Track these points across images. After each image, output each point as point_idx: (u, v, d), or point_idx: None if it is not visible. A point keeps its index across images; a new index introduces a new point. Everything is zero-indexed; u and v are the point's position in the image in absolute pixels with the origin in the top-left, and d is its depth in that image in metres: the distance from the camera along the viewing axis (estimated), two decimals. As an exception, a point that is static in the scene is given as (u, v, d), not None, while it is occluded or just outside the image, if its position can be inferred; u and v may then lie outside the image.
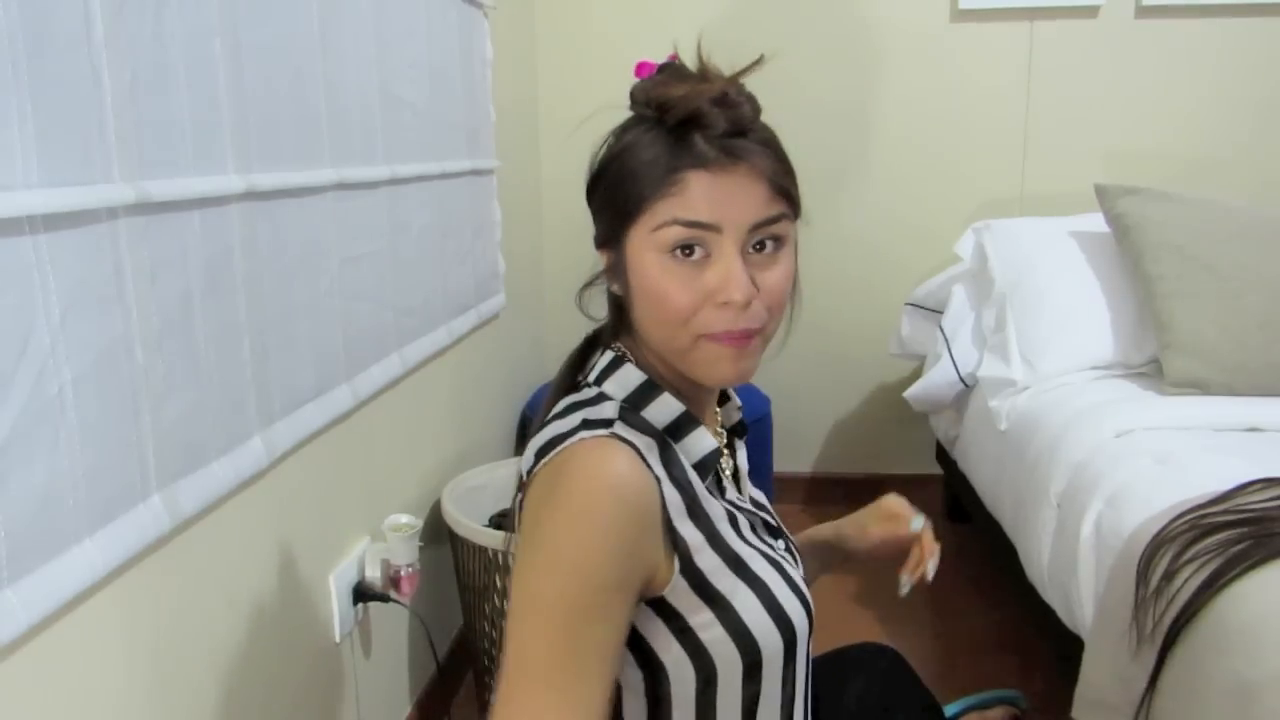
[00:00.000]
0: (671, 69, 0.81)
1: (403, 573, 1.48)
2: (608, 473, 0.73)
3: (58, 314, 0.80)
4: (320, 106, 1.29)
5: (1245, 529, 1.21)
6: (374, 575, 1.47)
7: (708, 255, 0.77)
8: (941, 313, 2.38)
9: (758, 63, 0.78)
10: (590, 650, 0.70)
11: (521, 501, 0.80)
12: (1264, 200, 2.39)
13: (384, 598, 1.47)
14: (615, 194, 0.80)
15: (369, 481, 1.51)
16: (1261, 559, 1.15)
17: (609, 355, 0.86)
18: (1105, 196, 2.09)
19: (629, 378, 0.84)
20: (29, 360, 0.77)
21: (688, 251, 0.77)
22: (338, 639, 1.40)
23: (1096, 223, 2.15)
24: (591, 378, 0.85)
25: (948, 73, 2.58)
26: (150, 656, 0.97)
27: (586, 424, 0.77)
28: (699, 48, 0.79)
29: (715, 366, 0.80)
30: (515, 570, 0.74)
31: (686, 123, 0.76)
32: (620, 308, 0.87)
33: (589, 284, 0.89)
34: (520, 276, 2.40)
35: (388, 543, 1.48)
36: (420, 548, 1.51)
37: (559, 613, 0.70)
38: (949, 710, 1.48)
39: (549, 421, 0.81)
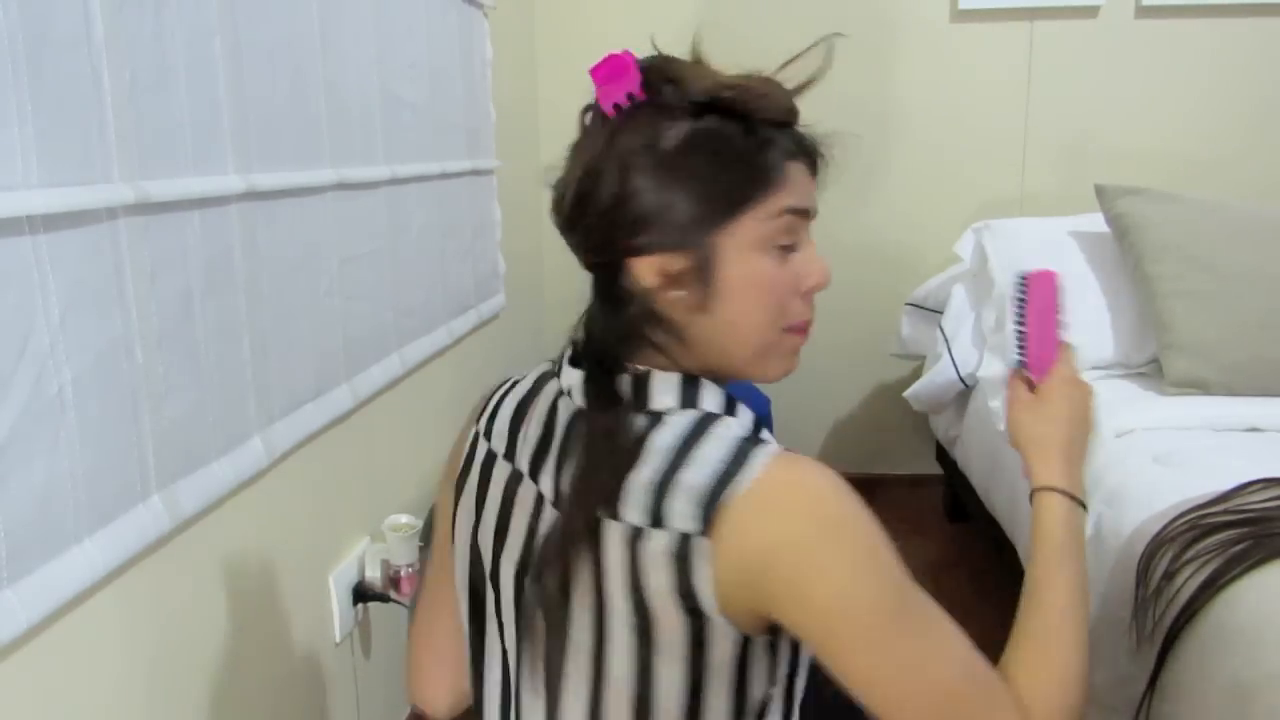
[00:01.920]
0: (686, 63, 0.77)
1: (403, 573, 1.48)
2: (821, 477, 0.69)
3: (58, 314, 0.80)
4: (320, 106, 1.29)
5: (1245, 529, 1.21)
6: (374, 575, 1.47)
7: (793, 245, 0.77)
8: (941, 313, 2.38)
9: (817, 76, 0.78)
10: (928, 606, 0.70)
11: (705, 534, 0.67)
12: (1264, 200, 2.39)
13: (384, 598, 1.47)
14: (707, 189, 0.73)
15: (369, 481, 1.51)
16: (1261, 559, 1.15)
17: (671, 376, 0.75)
18: (1105, 196, 2.09)
19: (715, 395, 0.76)
20: (29, 360, 0.77)
21: (788, 243, 0.76)
22: (338, 639, 1.40)
23: (1096, 223, 2.15)
24: (671, 402, 0.73)
25: (947, 73, 2.58)
26: (150, 656, 0.97)
27: (747, 441, 0.70)
28: (695, 43, 0.78)
29: (788, 361, 0.80)
30: (816, 622, 0.67)
31: (775, 117, 0.76)
32: (647, 322, 0.76)
33: (659, 291, 0.75)
34: (520, 276, 2.40)
35: (387, 543, 1.48)
36: (420, 548, 1.51)
37: (898, 601, 0.68)
38: None
39: (682, 460, 0.69)
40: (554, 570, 0.71)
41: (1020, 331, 0.93)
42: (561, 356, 0.82)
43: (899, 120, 2.62)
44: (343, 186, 1.36)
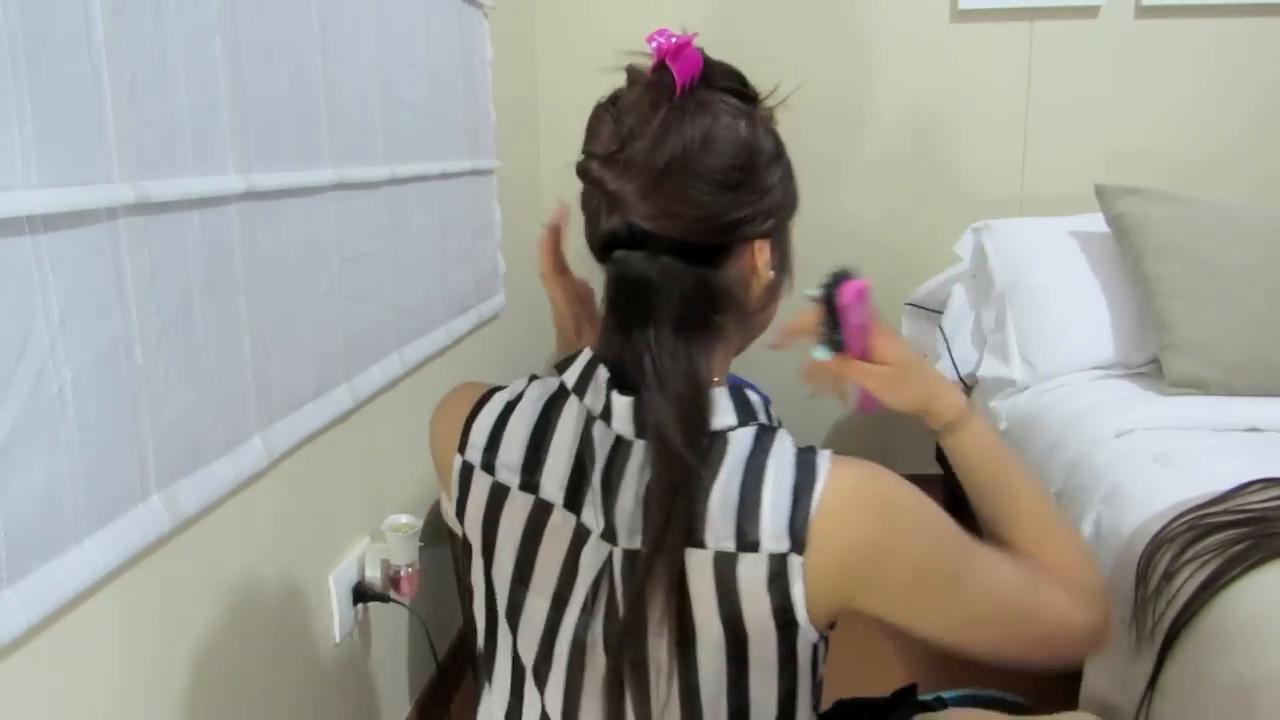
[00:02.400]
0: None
1: (403, 573, 1.48)
2: (874, 471, 0.73)
3: (58, 314, 0.80)
4: (320, 106, 1.29)
5: (1245, 529, 1.21)
6: (374, 575, 1.47)
7: None
8: (941, 313, 2.38)
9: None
10: (972, 541, 0.77)
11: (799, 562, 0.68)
12: (1263, 200, 2.39)
13: (384, 598, 1.47)
14: (792, 178, 0.80)
15: (369, 481, 1.51)
16: (1261, 559, 1.15)
17: (721, 391, 0.74)
18: (1105, 196, 2.09)
19: (759, 403, 0.76)
20: (29, 360, 0.77)
21: None
22: (338, 639, 1.40)
23: (1096, 223, 2.15)
24: (730, 419, 0.73)
25: (948, 73, 2.58)
26: (150, 656, 0.97)
27: (805, 451, 0.72)
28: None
29: None
30: (914, 592, 0.72)
31: None
32: (733, 314, 0.76)
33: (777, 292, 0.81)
34: (520, 276, 2.40)
35: (388, 543, 1.48)
36: (420, 548, 1.51)
37: (957, 548, 0.75)
38: (949, 695, 1.52)
39: (756, 479, 0.70)
40: (640, 607, 0.70)
41: (832, 323, 0.86)
42: (583, 375, 0.77)
43: (899, 120, 2.62)
44: (343, 186, 1.36)
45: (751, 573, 0.68)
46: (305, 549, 1.31)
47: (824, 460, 0.71)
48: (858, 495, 0.70)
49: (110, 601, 0.89)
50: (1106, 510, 1.47)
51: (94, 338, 0.84)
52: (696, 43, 0.73)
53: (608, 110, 0.74)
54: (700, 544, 0.69)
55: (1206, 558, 1.19)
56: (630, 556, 0.71)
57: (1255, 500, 1.28)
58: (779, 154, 0.77)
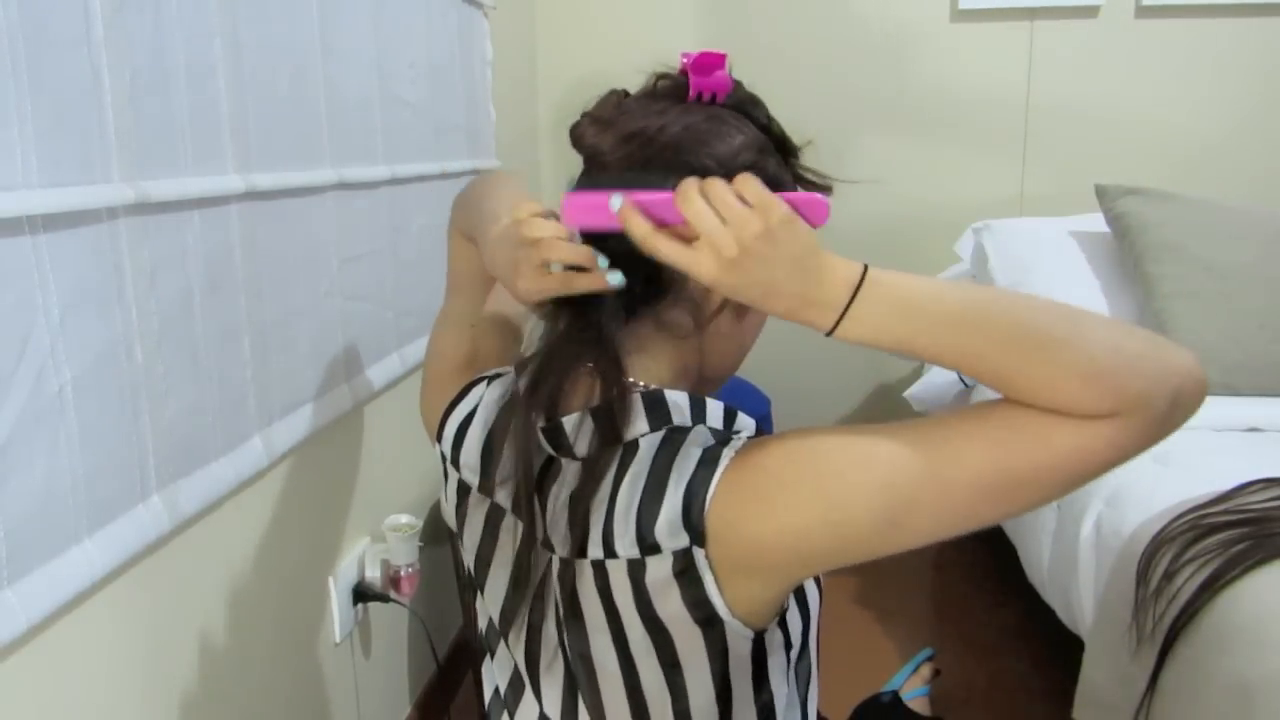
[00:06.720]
0: None
1: (403, 573, 1.48)
2: (770, 447, 0.70)
3: (58, 314, 0.80)
4: (320, 106, 1.29)
5: (1245, 529, 1.21)
6: (374, 575, 1.47)
7: None
8: (941, 312, 2.38)
9: None
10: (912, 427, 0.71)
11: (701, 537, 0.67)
12: (1263, 199, 2.39)
13: (384, 598, 1.47)
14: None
15: (369, 481, 1.51)
16: (1261, 559, 1.16)
17: (682, 395, 0.74)
18: (1105, 196, 2.10)
19: (717, 409, 0.76)
20: (29, 360, 0.77)
21: None
22: (338, 639, 1.40)
23: (1096, 223, 2.15)
24: (645, 426, 0.72)
25: (948, 73, 2.58)
26: (149, 656, 0.97)
27: (714, 446, 0.70)
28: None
29: None
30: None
31: None
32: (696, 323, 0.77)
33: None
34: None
35: (388, 543, 1.48)
36: (420, 548, 1.51)
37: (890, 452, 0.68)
38: (890, 687, 1.54)
39: (659, 482, 0.69)
40: (577, 616, 0.73)
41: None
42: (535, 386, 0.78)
43: (899, 120, 2.62)
44: (343, 186, 1.36)
45: (657, 574, 0.68)
46: (305, 549, 1.31)
47: (730, 451, 0.69)
48: (754, 476, 0.67)
49: (110, 602, 0.89)
50: (1107, 510, 1.47)
51: (94, 338, 0.84)
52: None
53: (616, 92, 0.77)
54: (613, 554, 0.69)
55: (1207, 558, 1.20)
56: (565, 564, 0.73)
57: (1255, 500, 1.28)
58: (780, 167, 0.76)
